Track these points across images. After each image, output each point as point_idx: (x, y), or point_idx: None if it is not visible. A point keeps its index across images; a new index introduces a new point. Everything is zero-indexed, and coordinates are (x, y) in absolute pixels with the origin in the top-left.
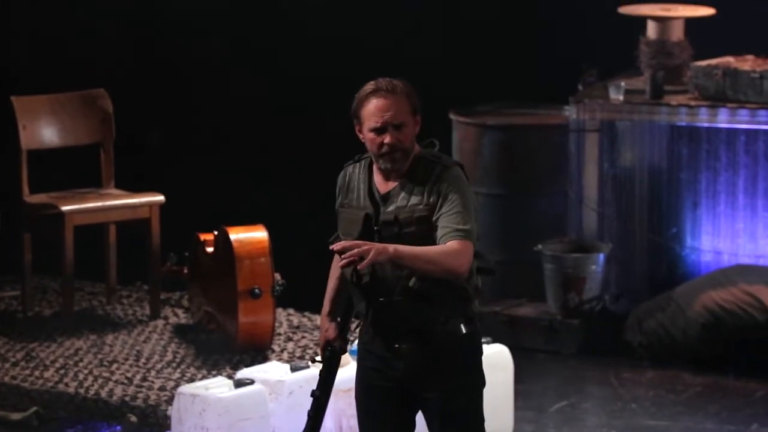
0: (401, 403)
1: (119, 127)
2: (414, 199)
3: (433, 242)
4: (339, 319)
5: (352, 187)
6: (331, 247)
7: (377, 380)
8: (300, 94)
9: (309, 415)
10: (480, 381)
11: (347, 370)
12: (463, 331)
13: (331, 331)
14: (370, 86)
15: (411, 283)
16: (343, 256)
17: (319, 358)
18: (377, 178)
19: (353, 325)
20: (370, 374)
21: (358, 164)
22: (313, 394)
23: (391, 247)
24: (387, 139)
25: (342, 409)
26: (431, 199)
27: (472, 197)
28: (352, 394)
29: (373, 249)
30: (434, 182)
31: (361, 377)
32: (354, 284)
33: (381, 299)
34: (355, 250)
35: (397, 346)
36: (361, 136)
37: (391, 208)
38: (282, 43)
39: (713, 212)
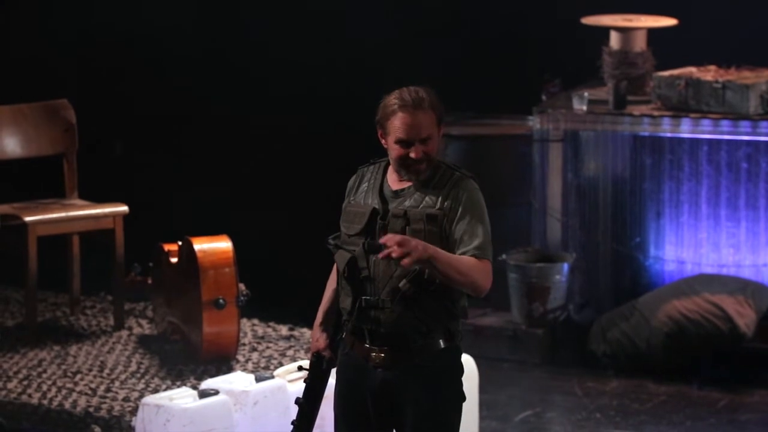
0: (378, 417)
1: (82, 138)
2: (428, 201)
3: (438, 244)
4: (330, 331)
5: (362, 186)
6: (382, 240)
7: (354, 393)
8: (265, 105)
9: (293, 424)
10: (456, 398)
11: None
12: (441, 345)
13: (322, 341)
14: (396, 99)
15: (401, 284)
16: (388, 249)
17: (307, 365)
18: (390, 177)
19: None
20: (347, 386)
21: (373, 166)
22: (297, 401)
23: (431, 248)
24: (413, 154)
25: None
26: (445, 204)
27: (486, 214)
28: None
29: (420, 245)
30: (450, 188)
31: (339, 389)
32: (346, 279)
33: (368, 297)
34: (407, 246)
35: (374, 354)
36: (383, 141)
37: (401, 204)
38: (248, 56)
39: (676, 222)
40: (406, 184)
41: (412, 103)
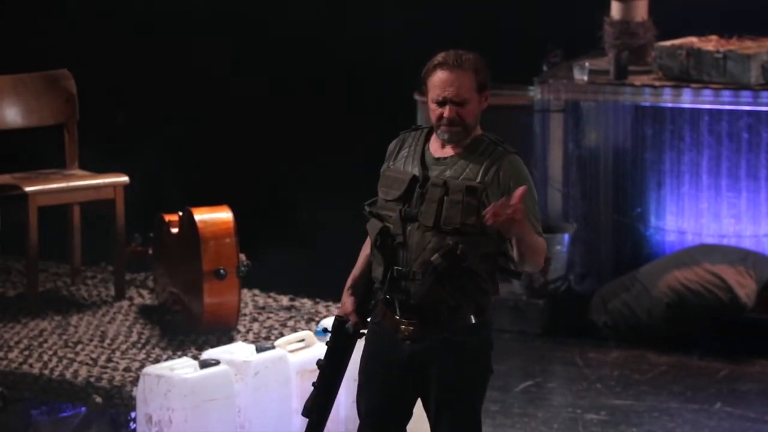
0: (403, 388)
1: (83, 108)
2: (469, 173)
3: (475, 217)
4: (359, 296)
5: (403, 151)
6: (487, 212)
7: (381, 362)
8: (265, 76)
9: (314, 385)
10: (483, 373)
11: (313, 350)
12: (473, 321)
13: (348, 305)
14: (439, 57)
15: (433, 258)
16: (500, 209)
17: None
18: (433, 145)
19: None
20: (375, 356)
21: (415, 132)
22: (318, 363)
23: (527, 222)
24: (446, 113)
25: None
26: (486, 178)
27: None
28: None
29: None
30: (493, 161)
31: (365, 357)
32: (378, 248)
33: (399, 268)
34: (513, 209)
35: (403, 326)
36: (428, 103)
37: (442, 173)
38: (245, 22)
39: (677, 192)
40: (448, 153)
41: (452, 61)
